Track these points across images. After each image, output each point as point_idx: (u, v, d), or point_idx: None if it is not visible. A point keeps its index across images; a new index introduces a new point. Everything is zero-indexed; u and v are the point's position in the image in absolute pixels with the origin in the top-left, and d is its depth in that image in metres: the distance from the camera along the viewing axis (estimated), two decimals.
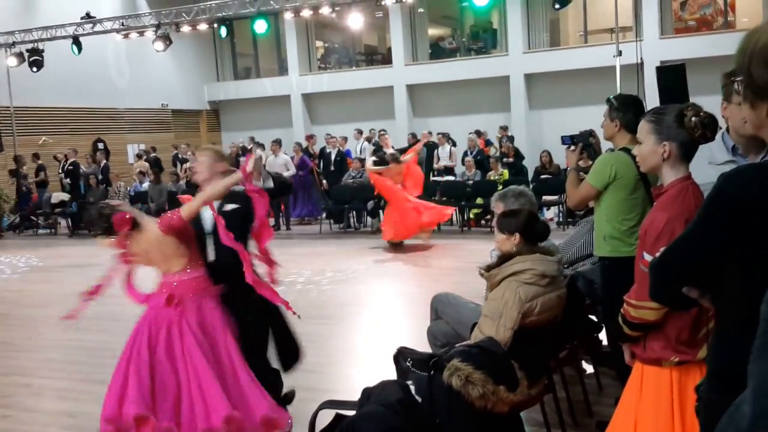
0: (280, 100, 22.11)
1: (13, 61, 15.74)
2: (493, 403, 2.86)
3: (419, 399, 2.98)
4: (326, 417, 3.11)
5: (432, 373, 2.97)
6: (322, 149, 15.24)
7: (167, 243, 3.83)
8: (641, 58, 12.05)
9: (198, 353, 3.68)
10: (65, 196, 15.48)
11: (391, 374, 4.54)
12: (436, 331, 4.23)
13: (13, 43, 15.79)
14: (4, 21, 16.58)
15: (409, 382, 3.08)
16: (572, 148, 3.98)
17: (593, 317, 4.42)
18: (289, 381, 4.84)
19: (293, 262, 9.78)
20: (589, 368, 4.43)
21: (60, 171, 16.15)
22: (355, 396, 3.22)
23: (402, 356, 3.33)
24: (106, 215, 3.87)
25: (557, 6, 13.21)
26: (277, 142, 14.38)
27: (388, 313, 6.82)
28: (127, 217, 3.81)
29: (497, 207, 4.08)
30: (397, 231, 10.18)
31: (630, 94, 4.15)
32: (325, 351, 5.67)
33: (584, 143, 3.99)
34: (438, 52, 21.39)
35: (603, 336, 4.38)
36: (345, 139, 15.72)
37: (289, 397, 4.45)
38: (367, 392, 3.09)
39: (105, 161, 16.34)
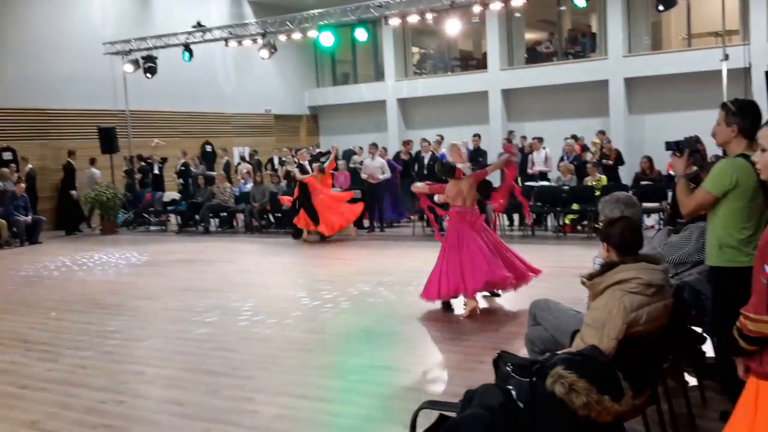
0: (376, 105, 22.49)
1: (129, 67, 16.63)
2: (597, 413, 2.80)
3: (521, 404, 2.92)
4: (426, 417, 3.13)
5: (534, 379, 2.93)
6: (417, 153, 15.44)
7: (473, 189, 7.00)
8: (749, 63, 11.63)
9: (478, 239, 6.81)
10: (176, 195, 16.39)
11: (483, 377, 4.63)
12: (534, 337, 4.19)
13: (130, 51, 16.70)
14: (121, 30, 17.65)
15: (510, 387, 3.03)
16: (677, 154, 3.86)
17: (697, 328, 4.30)
18: (383, 379, 5.04)
19: (386, 263, 10.02)
20: (692, 380, 4.34)
21: (162, 170, 17.10)
22: (451, 397, 3.28)
23: (502, 360, 3.27)
24: (449, 167, 7.11)
25: (660, 8, 12.90)
26: (374, 146, 14.72)
27: (482, 317, 6.84)
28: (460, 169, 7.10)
29: (604, 213, 4.01)
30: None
31: (747, 99, 4.01)
32: (419, 351, 5.76)
33: (691, 149, 3.86)
34: (534, 56, 21.20)
35: (706, 348, 4.29)
36: (439, 143, 15.87)
37: None
38: (469, 395, 3.06)
39: (218, 161, 17.18)
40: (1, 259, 12.51)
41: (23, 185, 14.70)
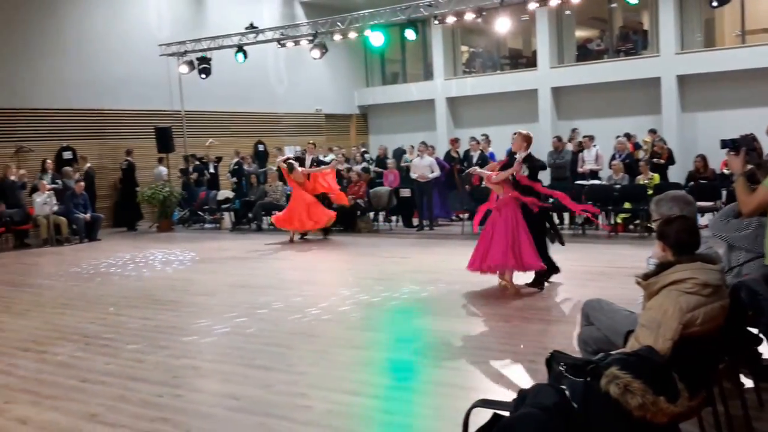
0: (425, 104, 22.51)
1: (184, 68, 17.00)
2: (653, 414, 2.77)
3: (574, 405, 2.88)
4: (476, 415, 3.12)
5: (589, 379, 2.90)
6: (466, 152, 15.41)
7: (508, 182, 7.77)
8: None
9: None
10: (230, 194, 16.72)
11: (535, 376, 4.66)
12: (587, 337, 4.14)
13: (185, 52, 17.06)
14: (177, 32, 18.06)
15: (563, 387, 2.99)
16: (733, 152, 3.81)
17: (753, 329, 4.23)
18: (434, 377, 5.06)
19: (436, 261, 10.03)
20: (748, 383, 4.25)
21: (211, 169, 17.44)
22: (501, 396, 3.27)
23: (555, 360, 3.21)
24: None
25: (714, 4, 12.59)
26: (424, 144, 14.74)
27: (530, 315, 6.80)
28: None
29: (656, 212, 3.97)
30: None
31: None
32: (467, 349, 5.76)
33: (747, 147, 3.80)
34: (585, 53, 20.94)
35: (763, 349, 4.19)
36: (488, 141, 15.82)
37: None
38: (522, 394, 3.02)
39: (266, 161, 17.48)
40: (61, 256, 12.93)
41: (83, 184, 15.16)
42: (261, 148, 20.43)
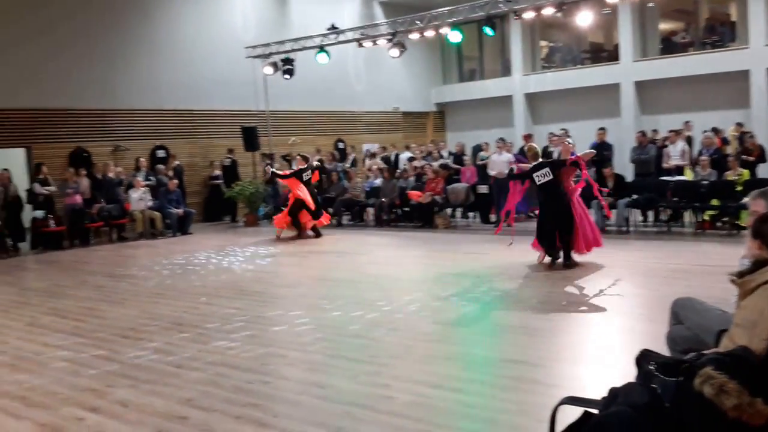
0: (502, 101, 22.34)
1: (269, 69, 17.41)
2: (749, 416, 2.68)
3: (666, 404, 2.82)
4: (562, 412, 3.07)
5: (681, 379, 2.83)
6: (545, 147, 15.22)
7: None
8: None
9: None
10: None
11: (621, 375, 4.57)
12: (676, 336, 4.07)
13: (269, 54, 17.49)
14: (262, 35, 18.55)
15: (654, 386, 2.92)
16: None
17: None
18: (516, 372, 5.05)
19: (514, 257, 9.92)
20: None
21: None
22: (584, 394, 3.24)
23: (645, 359, 3.13)
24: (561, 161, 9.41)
25: None
26: (502, 141, 14.66)
27: (614, 313, 6.70)
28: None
29: (756, 205, 3.82)
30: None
31: None
32: (550, 346, 5.70)
33: None
34: (670, 46, 20.34)
35: None
36: (558, 136, 15.58)
37: None
38: (613, 392, 2.98)
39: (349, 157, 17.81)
40: (155, 249, 13.54)
41: (176, 181, 15.86)
42: (341, 145, 20.76)
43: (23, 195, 14.40)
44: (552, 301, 7.28)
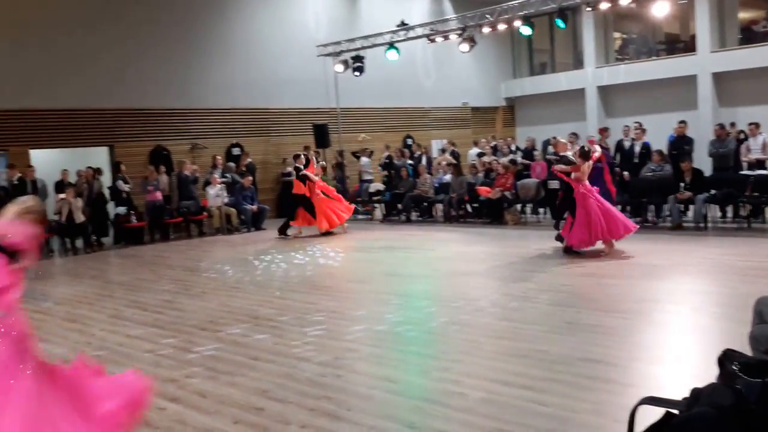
0: (574, 94, 21.96)
1: (339, 67, 17.65)
2: None
3: (752, 406, 2.72)
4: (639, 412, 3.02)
5: (767, 380, 2.74)
6: (619, 141, 14.88)
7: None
8: None
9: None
10: (381, 186, 17.23)
11: (696, 374, 4.51)
12: (760, 335, 3.84)
13: (340, 52, 17.72)
14: (333, 33, 18.81)
15: (738, 387, 2.81)
16: None
17: None
18: (590, 371, 4.98)
19: (590, 255, 9.80)
20: None
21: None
22: (659, 393, 3.19)
23: (728, 359, 3.02)
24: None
25: None
26: (574, 135, 14.44)
27: (691, 312, 6.56)
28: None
29: None
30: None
31: None
32: (626, 345, 5.60)
33: None
34: (749, 36, 19.57)
35: None
36: (644, 130, 15.19)
37: None
38: (695, 393, 2.89)
39: (419, 154, 17.87)
40: (231, 243, 13.94)
41: (251, 178, 16.29)
42: (409, 142, 20.83)
43: (107, 192, 15.06)
44: (627, 299, 7.16)
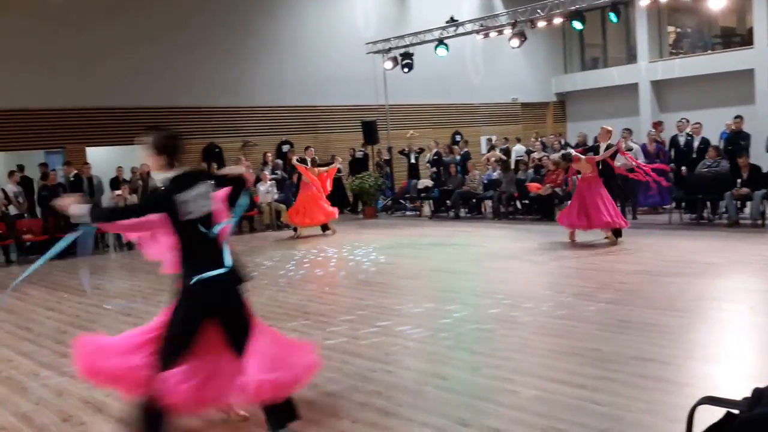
0: (627, 89, 21.58)
1: (389, 64, 17.75)
2: None
3: None
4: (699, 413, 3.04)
5: None
6: (674, 137, 14.55)
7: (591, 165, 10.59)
8: None
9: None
10: (429, 183, 17.23)
11: (753, 374, 4.40)
12: None
13: (389, 49, 17.79)
14: (382, 30, 18.87)
15: None
16: None
17: None
18: (644, 370, 4.88)
19: (642, 253, 9.67)
20: None
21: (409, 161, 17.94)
22: (715, 393, 3.10)
23: None
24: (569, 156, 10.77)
25: None
26: (628, 131, 14.20)
27: (748, 311, 6.38)
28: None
29: None
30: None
31: None
32: (681, 344, 5.52)
33: None
34: None
35: None
36: (700, 125, 14.82)
37: None
38: (757, 393, 2.69)
39: (465, 150, 17.82)
40: (281, 239, 14.11)
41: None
42: (458, 138, 20.76)
43: None
44: (682, 297, 7.02)
